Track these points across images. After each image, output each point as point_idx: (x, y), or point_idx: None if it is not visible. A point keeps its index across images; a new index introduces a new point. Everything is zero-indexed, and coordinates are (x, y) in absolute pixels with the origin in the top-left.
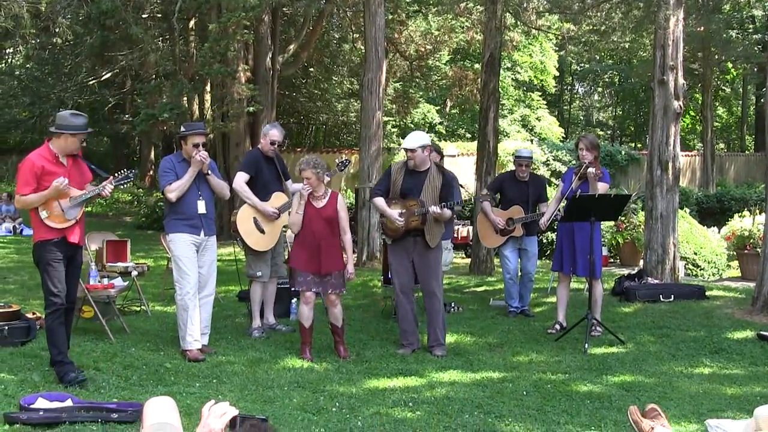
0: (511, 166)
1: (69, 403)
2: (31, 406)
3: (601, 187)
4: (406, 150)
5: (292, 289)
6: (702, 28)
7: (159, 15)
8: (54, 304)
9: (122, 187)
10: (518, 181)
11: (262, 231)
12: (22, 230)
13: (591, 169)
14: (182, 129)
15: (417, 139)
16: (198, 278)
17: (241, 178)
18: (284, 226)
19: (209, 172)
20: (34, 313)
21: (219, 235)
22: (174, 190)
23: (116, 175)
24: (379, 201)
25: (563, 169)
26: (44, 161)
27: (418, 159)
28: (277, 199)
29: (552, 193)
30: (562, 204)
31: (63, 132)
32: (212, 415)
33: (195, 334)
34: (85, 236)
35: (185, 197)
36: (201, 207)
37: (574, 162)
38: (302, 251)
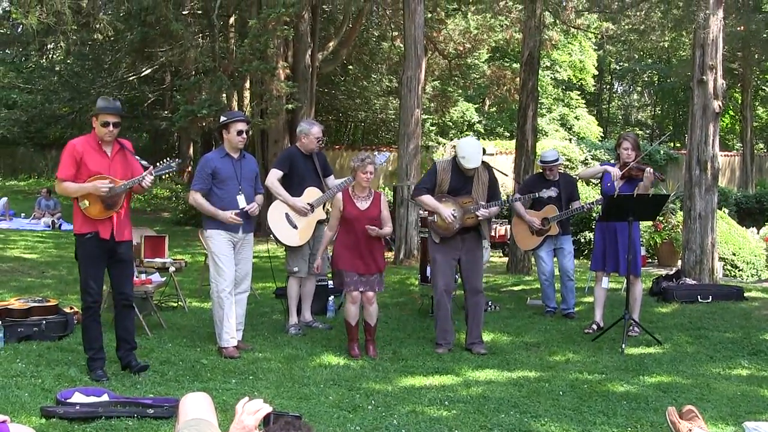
0: None
1: (105, 397)
2: (68, 401)
3: (644, 187)
4: (471, 169)
5: (344, 290)
6: (742, 27)
7: (199, 11)
8: (86, 301)
9: (164, 176)
10: (548, 181)
11: (294, 226)
12: (60, 225)
13: (649, 169)
14: (222, 118)
15: (480, 153)
16: (234, 275)
17: (273, 175)
18: (319, 221)
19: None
20: (71, 308)
21: (256, 232)
22: (196, 202)
23: (158, 165)
24: (429, 198)
25: None
26: (86, 147)
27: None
28: (310, 194)
29: (585, 190)
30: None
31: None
32: (246, 412)
33: (231, 332)
34: (130, 231)
35: (225, 194)
36: (241, 202)
37: (613, 161)
38: (348, 252)
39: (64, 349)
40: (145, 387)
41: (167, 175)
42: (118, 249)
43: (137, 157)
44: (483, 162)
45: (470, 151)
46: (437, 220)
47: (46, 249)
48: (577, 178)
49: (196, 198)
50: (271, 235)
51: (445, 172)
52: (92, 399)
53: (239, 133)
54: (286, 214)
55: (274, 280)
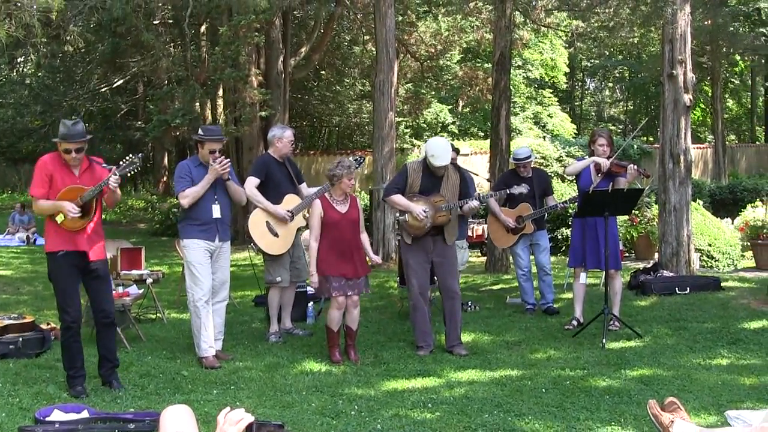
0: None
1: (85, 414)
2: (47, 419)
3: (625, 183)
4: (441, 167)
5: (329, 296)
6: (709, 21)
7: (170, 21)
8: (64, 321)
9: (129, 174)
10: (521, 177)
11: (275, 234)
12: (35, 240)
13: (632, 166)
14: (200, 133)
15: (449, 151)
16: (211, 284)
17: (251, 183)
18: (299, 228)
19: (229, 177)
20: (48, 324)
21: (234, 240)
22: (188, 196)
23: (120, 163)
24: (400, 198)
25: None
26: (55, 165)
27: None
28: (290, 201)
29: (560, 187)
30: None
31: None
32: (228, 422)
33: (209, 341)
34: (103, 249)
35: (200, 202)
36: (216, 211)
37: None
38: (334, 256)
39: (41, 366)
40: (125, 401)
41: (133, 171)
42: (92, 266)
43: (104, 165)
44: (453, 164)
45: (439, 149)
46: (409, 219)
47: (21, 265)
48: (566, 175)
49: (185, 192)
50: (252, 244)
51: (416, 173)
52: (71, 416)
53: (212, 152)
54: (267, 222)
55: (260, 288)
